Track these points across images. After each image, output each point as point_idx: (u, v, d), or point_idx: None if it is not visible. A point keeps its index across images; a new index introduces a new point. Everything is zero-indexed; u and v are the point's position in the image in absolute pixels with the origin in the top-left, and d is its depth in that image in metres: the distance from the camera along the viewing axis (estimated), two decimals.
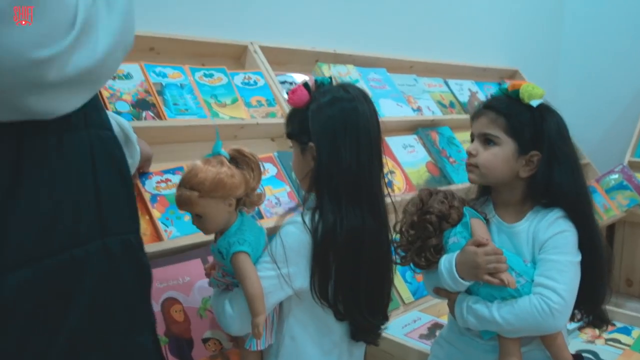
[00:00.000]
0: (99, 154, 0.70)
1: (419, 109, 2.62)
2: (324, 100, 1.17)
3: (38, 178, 0.61)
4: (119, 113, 1.56)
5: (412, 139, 2.46)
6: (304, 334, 1.18)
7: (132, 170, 1.41)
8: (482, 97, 3.13)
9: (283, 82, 2.12)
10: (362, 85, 2.44)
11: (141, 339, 0.76)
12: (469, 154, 1.25)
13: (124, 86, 1.64)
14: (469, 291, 1.21)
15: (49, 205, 0.62)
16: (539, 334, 1.18)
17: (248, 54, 2.07)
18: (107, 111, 1.36)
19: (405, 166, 2.28)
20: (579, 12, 4.13)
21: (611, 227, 3.26)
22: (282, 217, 1.22)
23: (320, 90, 1.21)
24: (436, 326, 1.61)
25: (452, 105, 2.88)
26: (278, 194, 1.72)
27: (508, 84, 1.28)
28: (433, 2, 3.08)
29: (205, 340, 1.27)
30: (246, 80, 1.97)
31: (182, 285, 1.32)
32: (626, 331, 1.70)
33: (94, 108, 0.73)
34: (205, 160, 1.09)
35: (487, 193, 1.33)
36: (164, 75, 1.75)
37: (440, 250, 1.22)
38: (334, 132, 1.15)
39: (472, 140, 1.29)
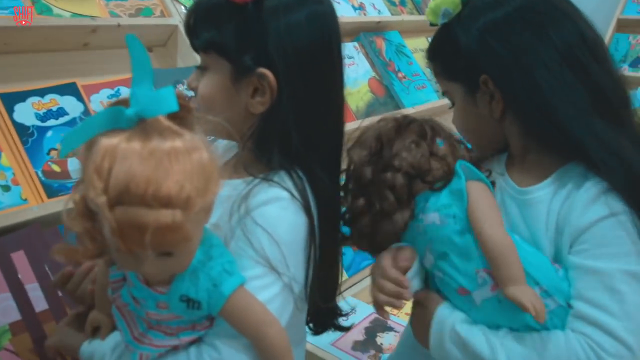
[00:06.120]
0: None
1: (361, 7, 2.09)
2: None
3: None
4: None
5: (351, 47, 1.93)
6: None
7: None
8: None
9: None
10: None
11: None
12: None
13: None
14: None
15: None
16: None
17: None
18: None
19: None
20: None
21: None
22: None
23: None
24: (378, 326, 1.15)
25: (402, 3, 2.32)
26: None
27: None
28: None
29: None
30: None
31: None
32: None
33: None
34: (132, 135, 0.50)
35: None
36: None
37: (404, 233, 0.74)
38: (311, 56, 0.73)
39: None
